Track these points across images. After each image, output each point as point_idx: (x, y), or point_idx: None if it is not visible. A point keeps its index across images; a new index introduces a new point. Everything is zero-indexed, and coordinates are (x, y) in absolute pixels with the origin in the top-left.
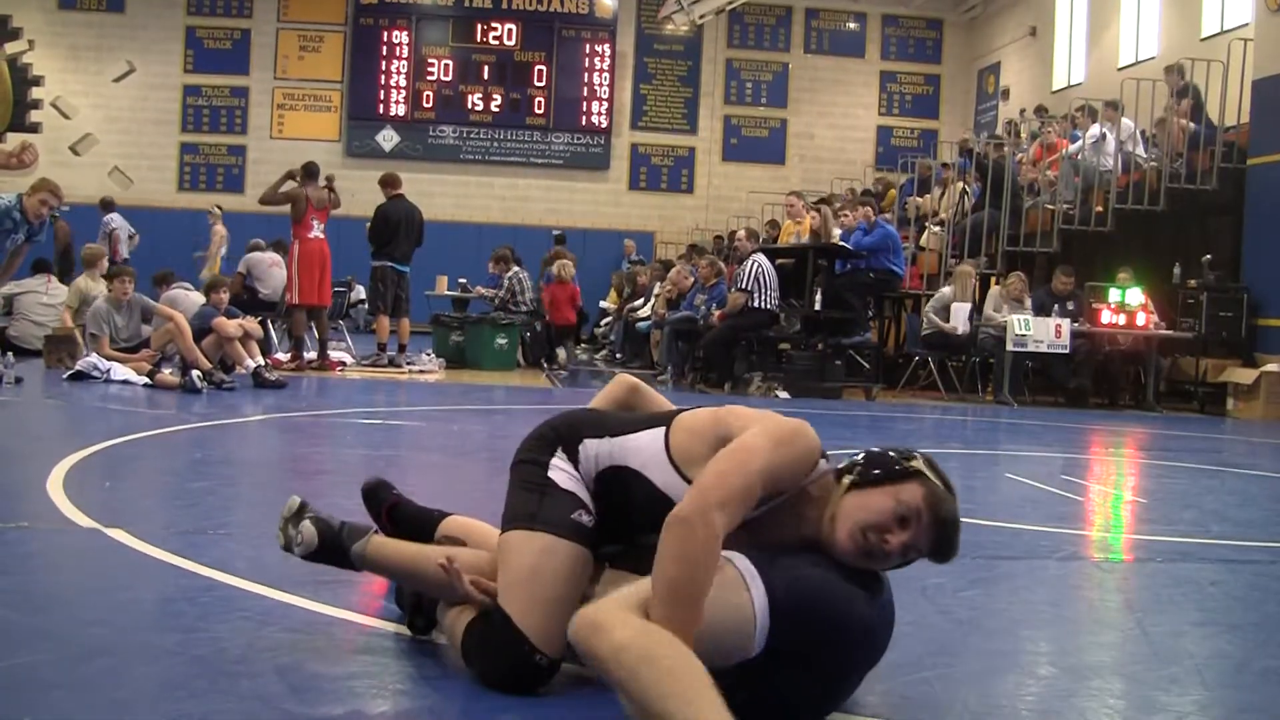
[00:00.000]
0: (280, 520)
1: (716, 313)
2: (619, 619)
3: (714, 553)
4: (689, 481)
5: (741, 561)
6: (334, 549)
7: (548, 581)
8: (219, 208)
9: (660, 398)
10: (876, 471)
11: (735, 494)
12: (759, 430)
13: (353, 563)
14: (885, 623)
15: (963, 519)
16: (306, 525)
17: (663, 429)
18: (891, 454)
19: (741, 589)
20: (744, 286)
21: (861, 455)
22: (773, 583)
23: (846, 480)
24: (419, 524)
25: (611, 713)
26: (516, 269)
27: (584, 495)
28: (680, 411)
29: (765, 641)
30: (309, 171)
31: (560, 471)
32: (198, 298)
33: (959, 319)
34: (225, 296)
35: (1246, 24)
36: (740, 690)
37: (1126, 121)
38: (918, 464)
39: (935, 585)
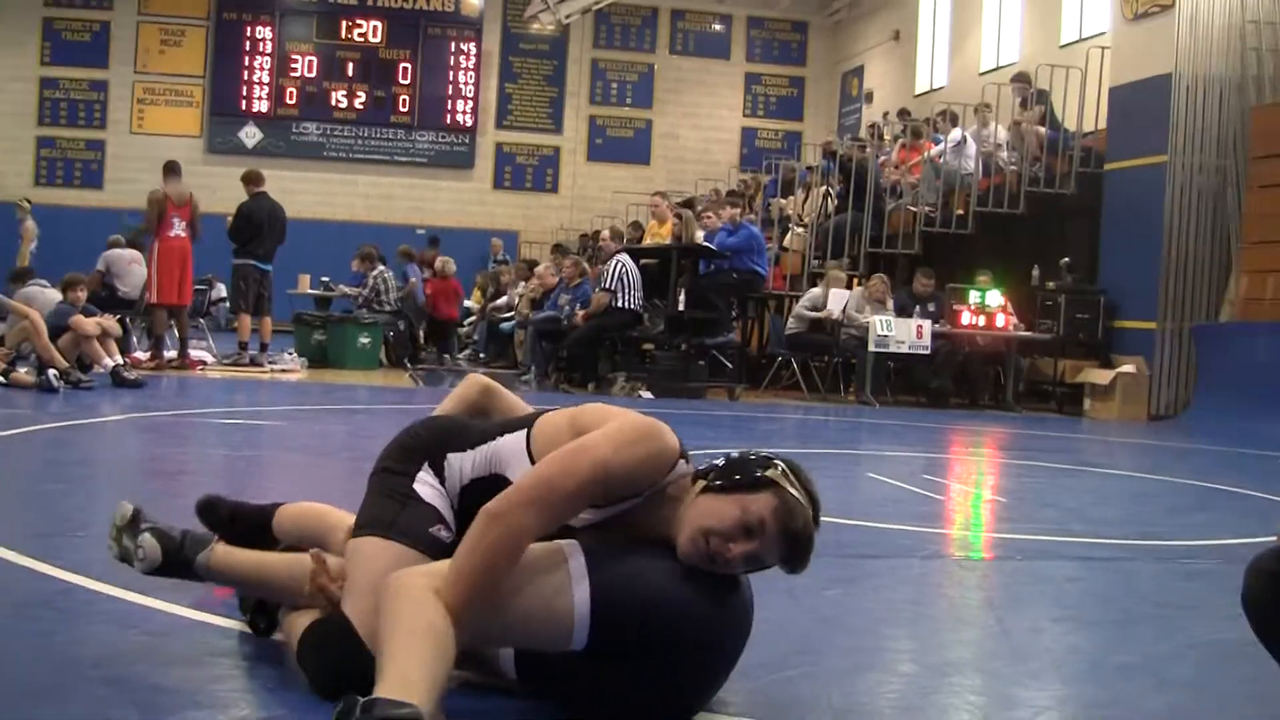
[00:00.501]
0: (112, 529)
1: (580, 313)
2: (409, 577)
3: (512, 551)
4: None
5: (576, 558)
6: (177, 562)
7: None
8: (28, 201)
9: (513, 397)
10: (732, 478)
11: (553, 495)
12: (604, 431)
13: (196, 574)
14: (734, 630)
15: (827, 518)
16: (147, 539)
17: (524, 432)
18: (752, 459)
19: (566, 584)
20: (608, 286)
21: (723, 459)
22: (604, 582)
23: (700, 484)
24: (256, 522)
25: None
26: (381, 268)
27: (446, 511)
28: (542, 413)
29: (588, 639)
30: (170, 169)
31: (425, 485)
32: (54, 295)
33: (836, 303)
34: (83, 294)
35: (1104, 32)
36: (579, 681)
37: (999, 128)
38: (774, 473)
39: (799, 584)
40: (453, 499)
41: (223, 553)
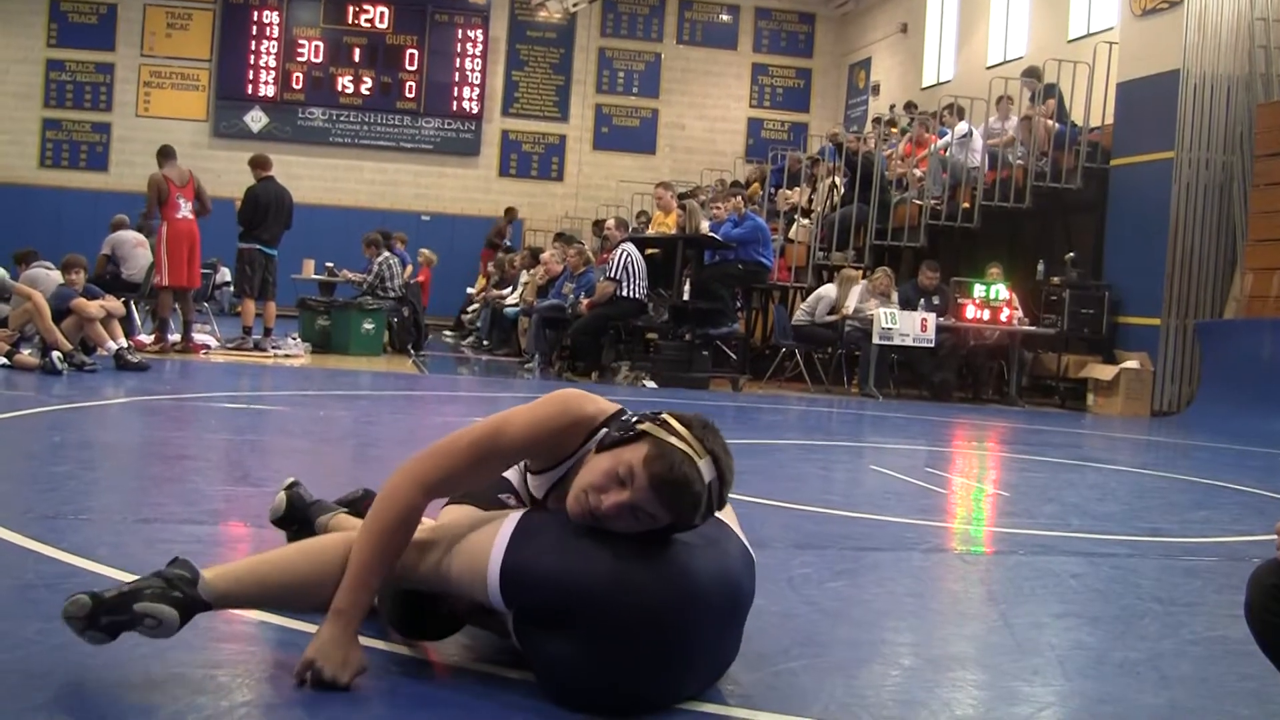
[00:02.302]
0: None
1: (585, 301)
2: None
3: (397, 523)
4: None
5: (508, 522)
6: (301, 519)
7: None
8: None
9: None
10: (613, 435)
11: (446, 457)
12: (519, 409)
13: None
14: (685, 613)
15: (830, 510)
16: (280, 495)
17: None
18: (637, 415)
19: (489, 542)
20: (613, 275)
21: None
22: (521, 543)
23: (594, 447)
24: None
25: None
26: (387, 254)
27: (518, 484)
28: None
29: (503, 597)
30: (165, 153)
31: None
32: (58, 277)
33: (854, 302)
34: (81, 276)
35: (1112, 27)
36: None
37: (993, 123)
38: (649, 425)
39: (801, 576)
40: (531, 488)
41: (343, 521)
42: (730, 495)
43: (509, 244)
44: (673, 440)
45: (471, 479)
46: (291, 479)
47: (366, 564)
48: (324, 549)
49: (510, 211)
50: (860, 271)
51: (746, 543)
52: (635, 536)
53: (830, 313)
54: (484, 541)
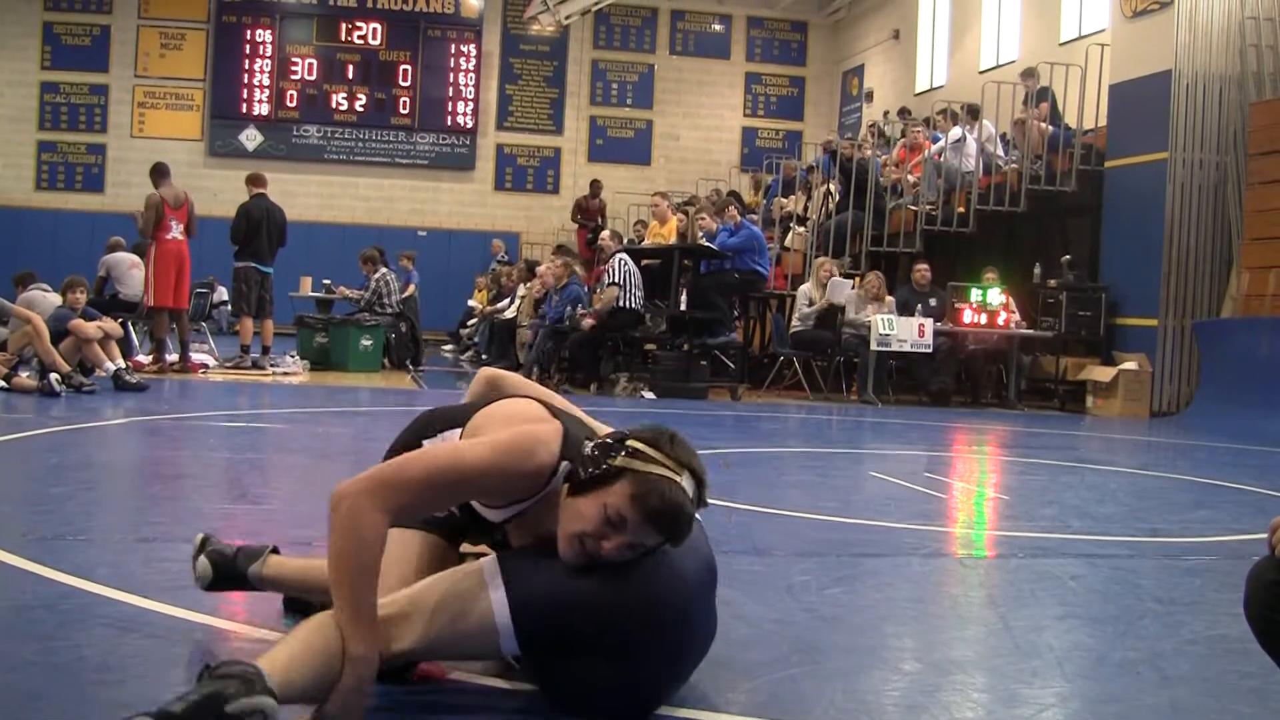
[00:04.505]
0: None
1: (590, 312)
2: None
3: (350, 530)
4: None
5: (490, 572)
6: (230, 575)
7: (393, 569)
8: None
9: (524, 383)
10: (587, 475)
11: (398, 478)
12: (485, 439)
13: (250, 584)
14: (682, 606)
15: (829, 517)
16: (202, 561)
17: (461, 429)
18: (607, 444)
19: (481, 591)
20: (616, 280)
21: (585, 450)
22: (523, 583)
23: (566, 488)
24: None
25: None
26: (384, 270)
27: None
28: (490, 403)
29: (517, 641)
30: (160, 171)
31: None
32: (56, 299)
33: (835, 293)
34: (82, 297)
35: (1103, 29)
36: (546, 673)
37: (987, 124)
38: (622, 459)
39: (800, 583)
40: None
41: (275, 563)
42: (728, 504)
43: (507, 258)
44: (651, 469)
45: (426, 511)
46: (201, 536)
47: (353, 596)
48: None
49: (596, 184)
50: (824, 260)
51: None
52: None
53: (812, 307)
54: (473, 597)
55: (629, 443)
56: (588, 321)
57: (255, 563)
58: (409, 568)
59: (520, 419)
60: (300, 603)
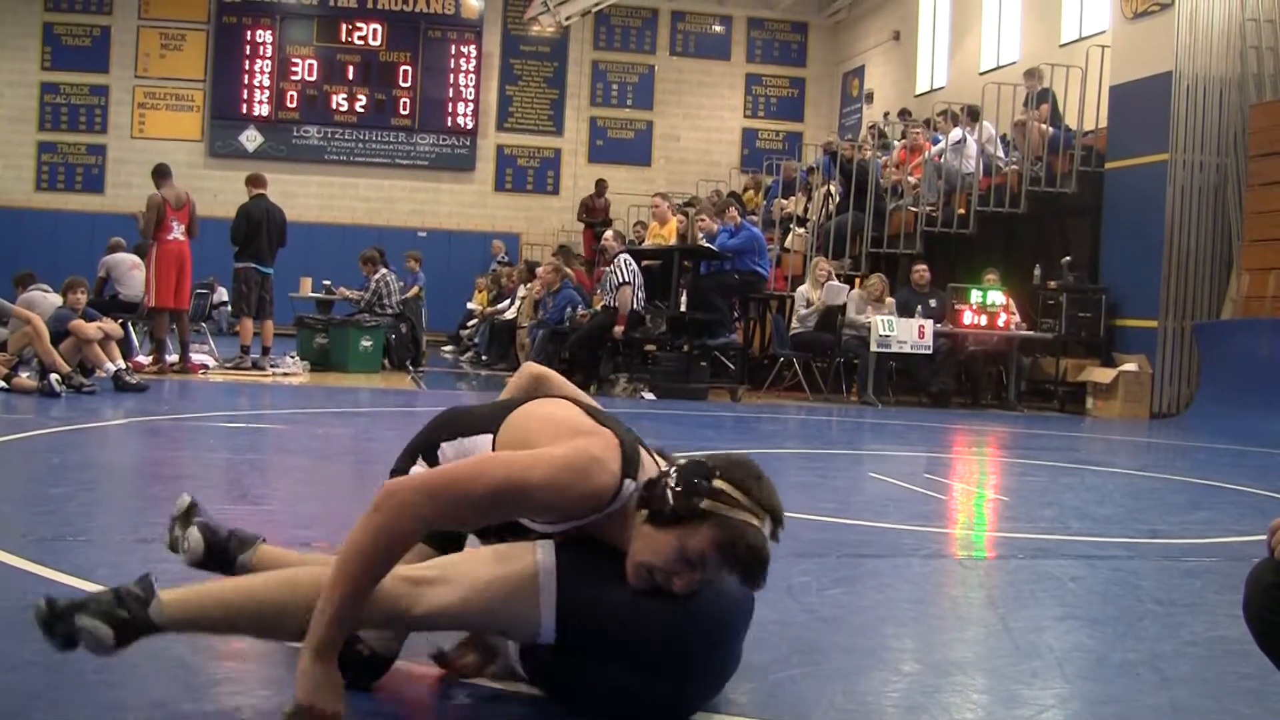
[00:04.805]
0: (170, 520)
1: (581, 313)
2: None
3: (393, 530)
4: None
5: (544, 558)
6: (220, 558)
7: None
8: None
9: (567, 384)
10: (669, 511)
11: (454, 491)
12: (542, 455)
13: (238, 572)
14: (718, 624)
15: (829, 519)
16: (194, 532)
17: (492, 434)
18: (690, 485)
19: (527, 580)
20: (625, 280)
21: (667, 477)
22: (576, 576)
23: (643, 513)
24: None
25: None
26: (384, 271)
27: None
28: (521, 405)
29: (555, 632)
30: (162, 172)
31: None
32: (56, 299)
33: (832, 295)
34: (83, 297)
35: (1104, 31)
36: (570, 678)
37: (987, 125)
38: (711, 503)
39: (800, 584)
40: None
41: (266, 553)
42: None
43: (508, 259)
44: (737, 515)
45: (470, 526)
46: (188, 500)
47: (350, 596)
48: (296, 578)
49: (601, 184)
50: (821, 261)
51: None
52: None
53: (809, 308)
54: (520, 579)
55: (716, 484)
56: (618, 329)
57: (247, 551)
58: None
59: (569, 430)
60: None
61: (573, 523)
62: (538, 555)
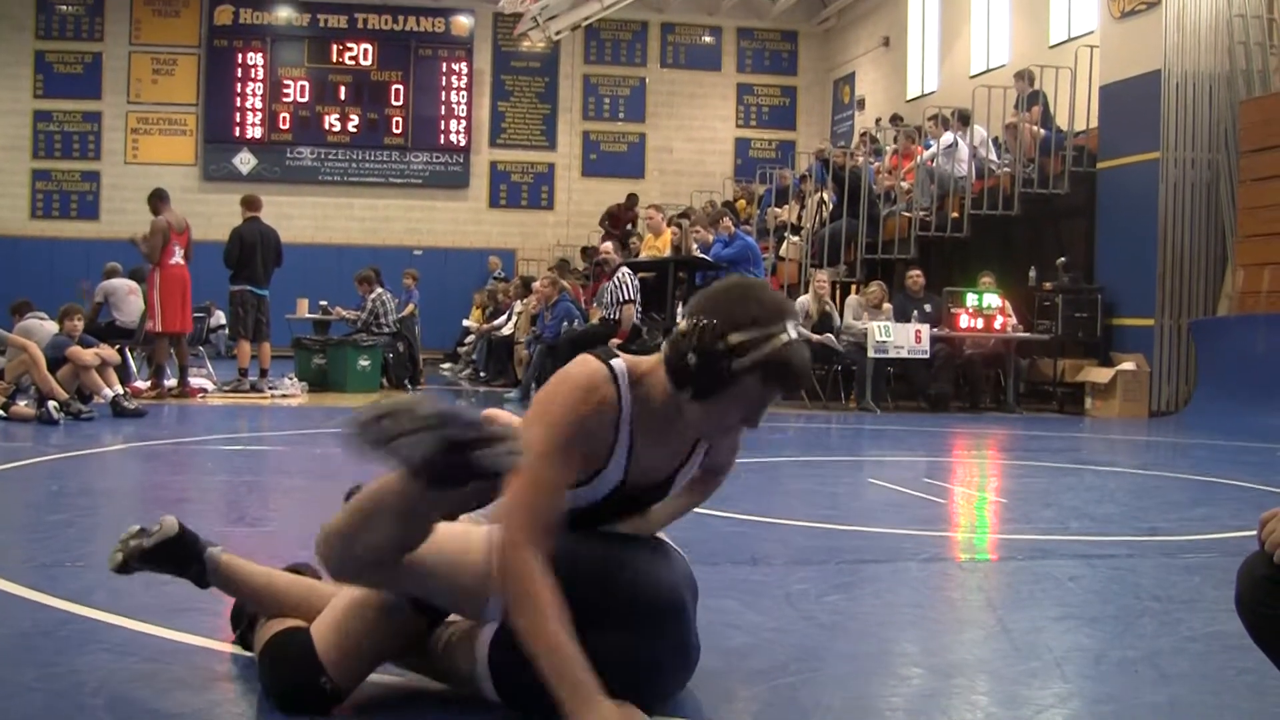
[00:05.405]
0: (119, 543)
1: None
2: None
3: (524, 578)
4: None
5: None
6: (188, 547)
7: (366, 622)
8: None
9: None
10: (707, 386)
11: (531, 510)
12: (534, 419)
13: (203, 565)
14: (688, 588)
15: (828, 525)
16: (169, 518)
17: None
18: (710, 358)
19: (481, 546)
20: (630, 298)
21: (682, 355)
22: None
23: (685, 394)
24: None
25: None
26: (380, 290)
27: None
28: None
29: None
30: (161, 196)
31: None
32: (52, 327)
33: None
34: (79, 324)
35: (1092, 31)
36: None
37: (979, 128)
38: (737, 362)
39: (798, 591)
40: None
41: (236, 560)
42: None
43: (504, 275)
44: (765, 349)
45: (562, 512)
46: (136, 528)
47: (547, 650)
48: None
49: (632, 197)
50: (823, 275)
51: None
52: (624, 539)
53: (806, 321)
54: (472, 550)
55: (731, 339)
56: (614, 341)
57: (216, 547)
58: (377, 627)
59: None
60: (245, 619)
61: (621, 452)
62: (487, 533)
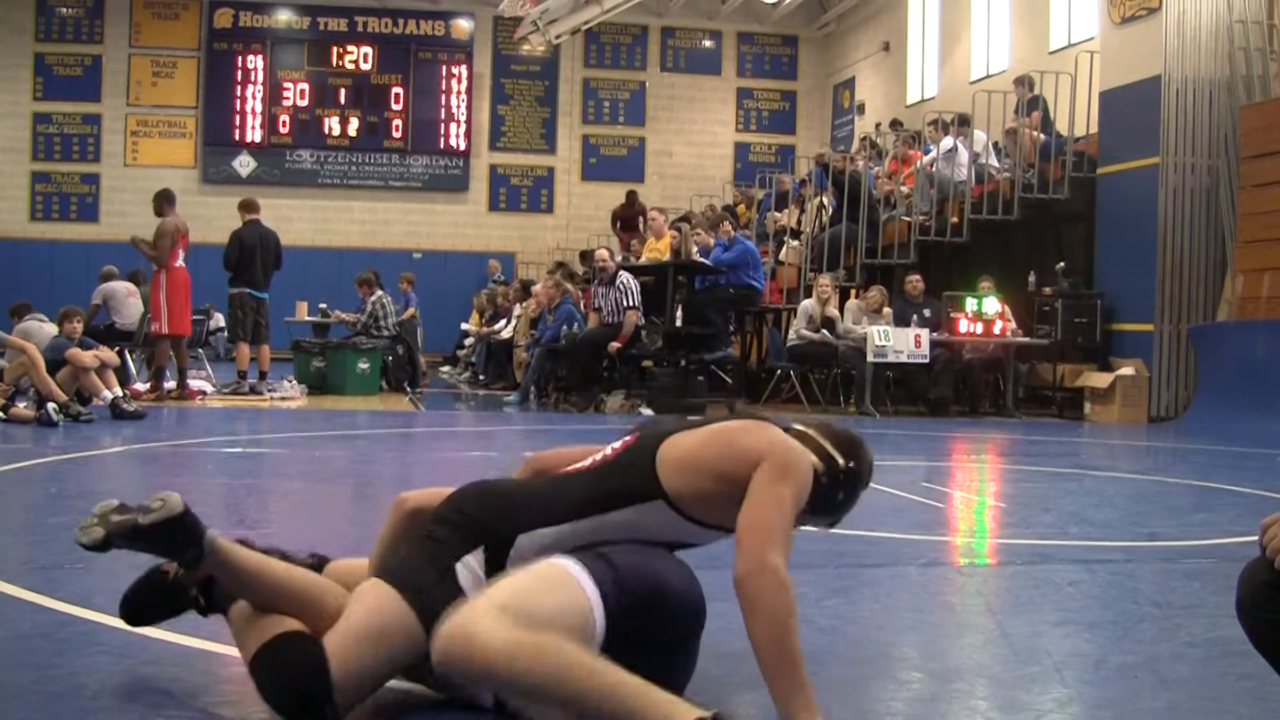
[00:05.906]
0: (92, 518)
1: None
2: (489, 627)
3: (778, 608)
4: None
5: (572, 564)
6: (191, 529)
7: (384, 652)
8: None
9: (565, 452)
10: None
11: (787, 540)
12: (781, 479)
13: (201, 551)
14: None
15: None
16: (171, 494)
17: (658, 499)
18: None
19: (576, 588)
20: (634, 304)
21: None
22: (605, 577)
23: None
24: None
25: None
26: (380, 293)
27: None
28: (631, 459)
29: (605, 631)
30: (168, 198)
31: (467, 571)
32: (52, 329)
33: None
34: (78, 326)
35: (1092, 37)
36: None
37: (979, 134)
38: (854, 465)
39: (798, 595)
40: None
41: (236, 547)
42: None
43: (504, 278)
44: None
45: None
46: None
47: (797, 670)
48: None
49: (632, 195)
50: (826, 278)
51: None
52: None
53: (809, 324)
54: (569, 591)
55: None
56: (614, 345)
57: (215, 531)
58: (395, 655)
59: (739, 430)
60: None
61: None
62: (570, 569)
